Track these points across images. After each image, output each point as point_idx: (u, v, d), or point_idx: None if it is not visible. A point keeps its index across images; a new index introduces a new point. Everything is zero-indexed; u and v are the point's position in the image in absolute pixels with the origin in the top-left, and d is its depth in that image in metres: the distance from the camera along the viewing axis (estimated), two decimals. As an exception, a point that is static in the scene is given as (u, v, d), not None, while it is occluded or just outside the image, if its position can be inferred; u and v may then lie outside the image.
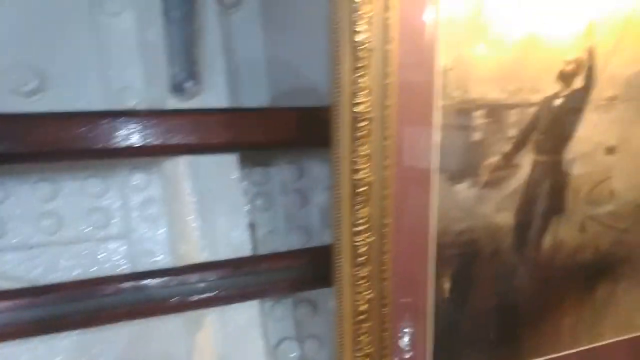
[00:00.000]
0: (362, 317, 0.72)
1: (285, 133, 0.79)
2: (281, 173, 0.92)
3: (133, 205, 0.83)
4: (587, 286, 0.92)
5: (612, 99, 0.83)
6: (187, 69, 0.73)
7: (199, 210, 0.78)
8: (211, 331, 0.80)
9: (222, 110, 0.76)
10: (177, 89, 0.74)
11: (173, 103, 0.76)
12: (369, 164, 0.66)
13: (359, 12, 0.60)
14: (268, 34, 0.89)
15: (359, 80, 0.62)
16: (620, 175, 0.87)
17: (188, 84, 0.74)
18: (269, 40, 0.89)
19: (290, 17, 0.89)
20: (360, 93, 0.63)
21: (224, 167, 0.79)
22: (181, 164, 0.77)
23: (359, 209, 0.68)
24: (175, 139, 0.74)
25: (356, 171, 0.66)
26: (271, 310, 0.90)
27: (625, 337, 0.97)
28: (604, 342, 0.95)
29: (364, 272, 0.70)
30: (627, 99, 0.83)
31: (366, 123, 0.65)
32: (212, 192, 0.79)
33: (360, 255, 0.70)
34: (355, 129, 0.64)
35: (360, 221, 0.68)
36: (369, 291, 0.72)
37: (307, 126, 0.76)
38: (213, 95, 0.78)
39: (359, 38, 0.61)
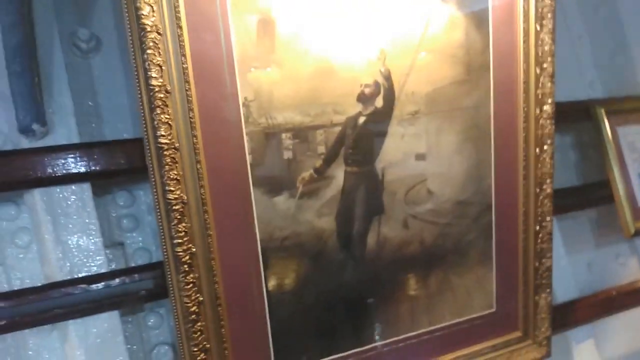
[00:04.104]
0: (193, 317, 0.84)
1: (131, 161, 0.91)
2: (146, 195, 1.03)
3: (5, 234, 0.93)
4: (419, 275, 1.05)
5: (415, 113, 0.96)
6: (31, 113, 0.84)
7: (57, 235, 0.90)
8: (75, 341, 0.90)
9: (67, 147, 0.87)
10: (25, 131, 0.85)
11: (26, 143, 0.88)
12: (179, 186, 0.79)
13: (150, 60, 0.73)
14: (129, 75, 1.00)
15: (158, 118, 0.75)
16: (434, 177, 1.01)
17: (35, 127, 0.85)
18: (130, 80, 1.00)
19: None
20: (162, 128, 0.75)
21: (78, 194, 0.91)
22: (37, 196, 0.88)
23: (176, 224, 0.79)
24: (29, 174, 0.86)
25: (168, 192, 0.78)
26: (136, 319, 1.01)
27: (465, 318, 1.11)
28: (445, 324, 1.09)
29: (189, 278, 0.82)
30: (429, 112, 0.97)
31: (171, 152, 0.77)
32: (68, 218, 0.90)
33: (184, 263, 0.81)
34: (161, 156, 0.76)
35: (179, 234, 0.80)
36: (198, 295, 0.84)
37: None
38: (63, 134, 0.90)
39: (153, 83, 0.73)
